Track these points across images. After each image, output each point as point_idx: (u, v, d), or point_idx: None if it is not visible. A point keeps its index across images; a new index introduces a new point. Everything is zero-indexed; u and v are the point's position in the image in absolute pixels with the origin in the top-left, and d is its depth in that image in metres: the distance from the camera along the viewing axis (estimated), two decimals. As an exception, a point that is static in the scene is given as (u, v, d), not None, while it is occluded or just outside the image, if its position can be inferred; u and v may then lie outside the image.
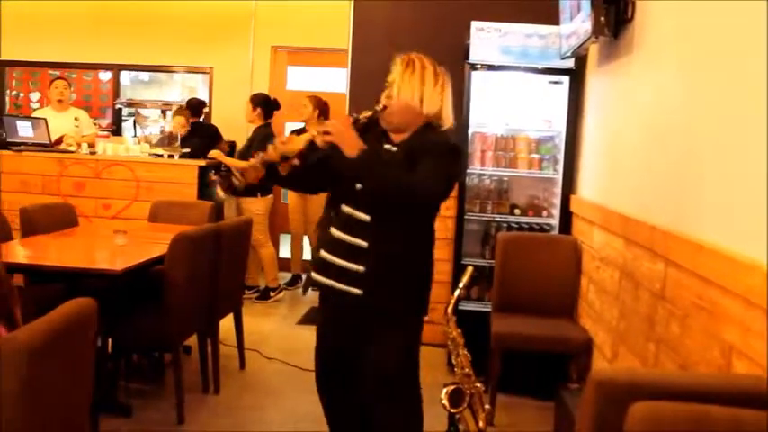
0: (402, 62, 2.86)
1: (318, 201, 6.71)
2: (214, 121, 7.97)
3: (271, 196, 6.65)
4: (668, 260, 2.83)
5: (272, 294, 6.75)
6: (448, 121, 2.88)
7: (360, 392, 2.93)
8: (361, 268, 2.74)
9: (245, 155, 6.35)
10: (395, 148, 2.82)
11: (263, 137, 6.46)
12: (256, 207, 6.53)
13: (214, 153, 6.57)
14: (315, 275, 2.89)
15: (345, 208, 2.79)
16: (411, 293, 2.84)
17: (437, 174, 2.62)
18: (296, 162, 2.77)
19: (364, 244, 2.74)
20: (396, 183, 2.60)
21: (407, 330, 2.88)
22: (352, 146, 2.57)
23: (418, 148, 2.72)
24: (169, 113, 8.14)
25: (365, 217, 2.75)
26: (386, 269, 2.76)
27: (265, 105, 6.64)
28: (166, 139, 6.72)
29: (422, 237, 2.86)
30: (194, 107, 7.35)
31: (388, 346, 2.82)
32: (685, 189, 2.77)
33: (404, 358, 2.87)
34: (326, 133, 2.61)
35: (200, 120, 7.41)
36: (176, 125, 6.94)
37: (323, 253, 2.84)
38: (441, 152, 2.72)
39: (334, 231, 2.81)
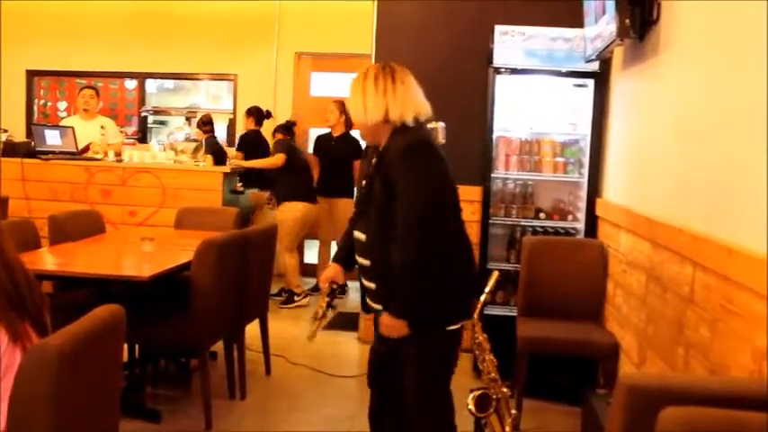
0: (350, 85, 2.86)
1: (345, 207, 6.81)
2: (238, 128, 8.04)
3: (298, 204, 6.68)
4: (696, 263, 2.80)
5: (296, 299, 6.79)
6: (408, 115, 2.74)
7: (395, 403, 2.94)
8: (373, 285, 2.82)
9: None
10: None
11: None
12: (282, 216, 6.60)
13: (235, 162, 6.68)
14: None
15: (355, 233, 2.89)
16: (420, 305, 2.74)
17: (411, 206, 2.62)
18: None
19: (367, 263, 2.82)
20: (416, 271, 2.64)
21: (425, 343, 2.80)
22: (400, 327, 2.71)
23: (387, 165, 2.72)
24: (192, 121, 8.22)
25: (362, 236, 2.82)
26: (390, 284, 2.74)
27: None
28: (191, 146, 6.81)
29: (426, 248, 2.69)
30: (255, 114, 7.42)
31: (409, 360, 2.82)
32: (713, 192, 2.75)
33: (423, 372, 2.82)
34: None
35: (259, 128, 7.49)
36: (198, 135, 7.11)
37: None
38: (403, 169, 2.67)
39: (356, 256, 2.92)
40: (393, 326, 2.72)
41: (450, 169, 2.83)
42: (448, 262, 2.76)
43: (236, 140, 7.63)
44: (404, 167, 2.67)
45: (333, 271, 3.01)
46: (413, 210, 2.62)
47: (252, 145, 7.15)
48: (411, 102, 2.77)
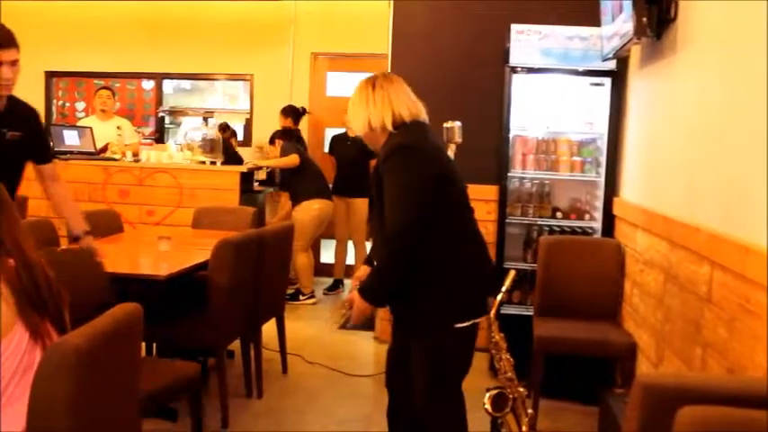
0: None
1: (361, 206, 6.83)
2: (255, 128, 8.08)
3: (315, 203, 6.70)
4: (714, 263, 2.79)
5: (301, 298, 6.82)
6: (387, 119, 2.80)
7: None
8: None
9: None
10: None
11: None
12: (298, 215, 6.63)
13: (252, 162, 6.74)
14: None
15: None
16: (425, 307, 2.79)
17: (400, 206, 2.68)
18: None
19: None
20: (391, 267, 2.73)
21: (431, 342, 2.81)
22: (366, 309, 2.80)
23: (380, 169, 2.79)
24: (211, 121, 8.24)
25: (371, 243, 2.94)
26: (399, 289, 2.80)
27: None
28: (208, 145, 6.80)
29: (429, 246, 2.73)
30: (292, 113, 7.44)
31: (417, 358, 2.84)
32: (731, 191, 2.73)
33: (430, 370, 2.83)
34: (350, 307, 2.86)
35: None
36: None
37: None
38: (391, 172, 2.73)
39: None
40: (356, 304, 2.80)
41: (459, 168, 2.88)
42: (445, 261, 2.76)
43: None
44: (386, 171, 2.73)
45: (363, 271, 3.03)
46: (394, 213, 2.69)
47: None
48: (391, 105, 2.81)
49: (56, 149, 6.42)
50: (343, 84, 8.36)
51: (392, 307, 2.89)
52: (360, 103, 2.86)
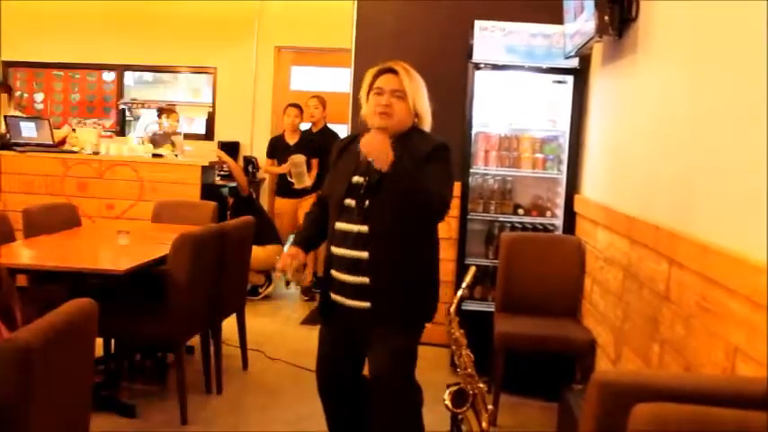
0: (403, 71, 2.86)
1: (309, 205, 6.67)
2: (217, 121, 8.00)
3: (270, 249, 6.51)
4: (673, 261, 2.82)
5: (260, 291, 6.75)
6: (429, 120, 2.95)
7: (360, 396, 2.96)
8: (365, 280, 2.79)
9: None
10: None
11: None
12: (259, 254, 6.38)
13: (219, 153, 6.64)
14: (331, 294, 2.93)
15: (339, 225, 2.85)
16: (416, 301, 2.85)
17: (447, 182, 2.79)
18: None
19: (364, 255, 2.79)
20: (422, 191, 2.65)
21: (408, 335, 2.87)
22: (384, 161, 2.58)
23: (414, 150, 2.73)
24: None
25: (362, 228, 2.79)
26: (389, 278, 2.79)
27: None
28: (159, 138, 6.72)
29: (424, 244, 2.89)
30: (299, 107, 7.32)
31: (388, 350, 2.82)
32: (690, 189, 2.76)
33: (403, 365, 2.85)
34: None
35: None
36: (170, 126, 7.01)
37: (332, 271, 2.91)
38: (442, 156, 2.80)
39: (333, 249, 2.89)
40: (383, 152, 2.60)
41: None
42: (436, 260, 2.94)
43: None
44: (439, 159, 2.78)
45: (294, 250, 2.98)
46: (445, 190, 2.76)
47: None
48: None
49: (12, 141, 6.31)
50: (308, 78, 8.32)
51: (376, 311, 2.81)
52: (423, 86, 2.89)
